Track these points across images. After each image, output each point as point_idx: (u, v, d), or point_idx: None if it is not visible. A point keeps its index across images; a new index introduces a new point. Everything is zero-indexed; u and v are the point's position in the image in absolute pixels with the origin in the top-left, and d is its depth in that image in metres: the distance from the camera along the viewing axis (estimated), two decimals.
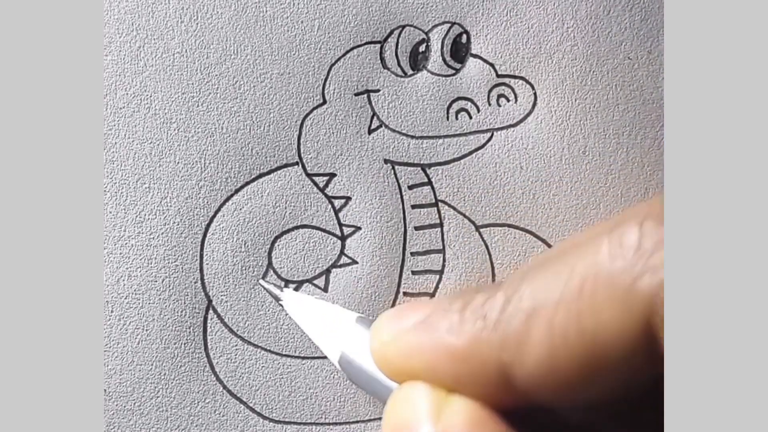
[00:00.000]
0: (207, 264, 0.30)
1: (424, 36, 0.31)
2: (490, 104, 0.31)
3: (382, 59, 0.31)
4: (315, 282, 0.31)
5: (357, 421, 0.30)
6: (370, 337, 0.25)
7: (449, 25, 0.31)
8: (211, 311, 0.30)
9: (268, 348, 0.30)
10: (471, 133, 0.31)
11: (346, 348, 0.26)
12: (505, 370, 0.22)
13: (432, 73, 0.31)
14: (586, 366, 0.21)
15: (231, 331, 0.30)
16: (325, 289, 0.31)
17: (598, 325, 0.21)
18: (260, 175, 0.31)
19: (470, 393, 0.23)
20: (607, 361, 0.21)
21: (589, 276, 0.21)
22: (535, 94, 0.31)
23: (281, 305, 0.28)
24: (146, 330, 0.30)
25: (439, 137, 0.31)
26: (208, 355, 0.30)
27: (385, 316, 0.25)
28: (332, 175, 0.31)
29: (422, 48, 0.31)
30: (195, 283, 0.30)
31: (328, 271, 0.31)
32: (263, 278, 0.29)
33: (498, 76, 0.31)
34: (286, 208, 0.31)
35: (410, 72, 0.31)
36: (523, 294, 0.22)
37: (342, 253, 0.31)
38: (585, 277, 0.21)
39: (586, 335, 0.21)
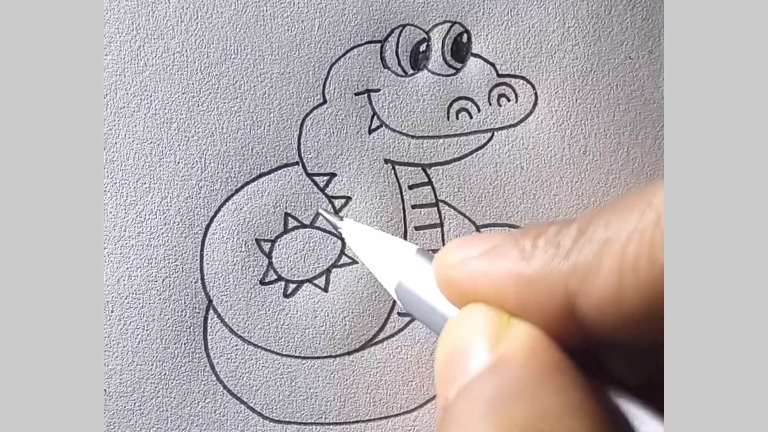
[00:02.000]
0: (207, 264, 0.30)
1: (425, 35, 0.31)
2: (490, 104, 0.31)
3: (382, 59, 0.31)
4: (315, 282, 0.31)
5: (357, 421, 0.30)
6: (435, 261, 0.24)
7: (450, 24, 0.31)
8: (211, 311, 0.30)
9: (268, 348, 0.30)
10: (471, 133, 0.31)
11: (404, 276, 0.25)
12: (572, 300, 0.22)
13: (432, 72, 0.31)
14: (653, 298, 0.21)
15: (231, 331, 0.30)
16: (325, 289, 0.31)
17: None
18: (260, 175, 0.31)
19: (534, 322, 0.23)
20: None
21: (665, 211, 0.21)
22: (535, 93, 0.31)
23: (340, 233, 0.28)
24: (146, 330, 0.30)
25: (440, 137, 0.31)
26: (208, 355, 0.30)
27: (454, 242, 0.24)
28: (332, 175, 0.31)
29: (423, 47, 0.31)
30: (195, 283, 0.30)
31: (328, 271, 0.31)
32: (320, 214, 0.29)
33: (499, 75, 0.31)
34: (286, 208, 0.31)
35: (411, 71, 0.31)
36: (598, 225, 0.22)
37: (342, 253, 0.31)
38: (661, 211, 0.21)
39: (656, 267, 0.21)
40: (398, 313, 0.31)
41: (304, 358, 0.31)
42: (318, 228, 0.31)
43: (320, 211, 0.29)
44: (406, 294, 0.25)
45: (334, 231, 0.31)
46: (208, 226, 0.31)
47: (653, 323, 0.22)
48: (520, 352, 0.22)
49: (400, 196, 0.31)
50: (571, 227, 0.22)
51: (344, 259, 0.31)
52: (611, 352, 0.23)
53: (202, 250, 0.31)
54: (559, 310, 0.22)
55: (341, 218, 0.28)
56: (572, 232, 0.22)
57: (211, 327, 0.30)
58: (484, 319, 0.23)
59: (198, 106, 0.31)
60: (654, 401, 0.23)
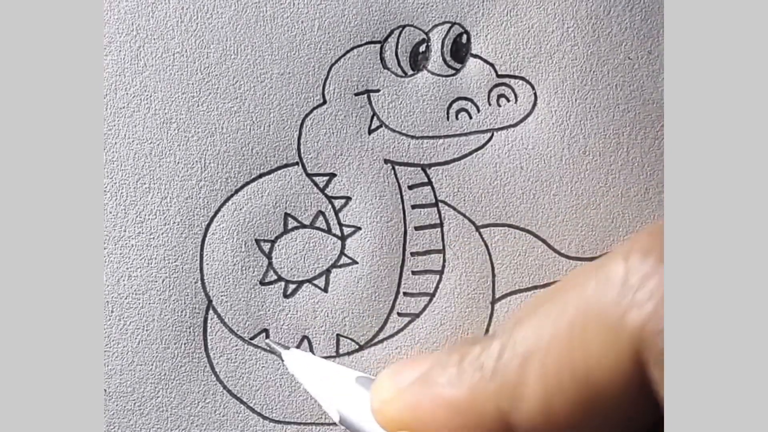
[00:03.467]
0: (207, 264, 0.30)
1: (425, 36, 0.31)
2: (490, 104, 0.31)
3: (382, 59, 0.31)
4: (315, 282, 0.31)
5: None
6: (371, 397, 0.25)
7: (449, 25, 0.31)
8: (211, 311, 0.30)
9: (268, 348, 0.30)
10: (471, 133, 0.31)
11: (344, 408, 0.26)
12: (505, 419, 0.22)
13: (432, 73, 0.31)
14: (581, 407, 0.21)
15: (231, 331, 0.30)
16: (325, 289, 0.31)
17: (589, 363, 0.21)
18: (260, 175, 0.31)
19: None
20: (600, 401, 0.21)
21: (579, 313, 0.21)
22: (535, 94, 0.31)
23: (284, 364, 0.28)
24: (146, 330, 0.30)
25: (439, 137, 0.31)
26: (208, 355, 0.30)
27: (385, 374, 0.25)
28: (332, 175, 0.31)
29: (422, 48, 0.31)
30: (195, 283, 0.30)
31: (328, 271, 0.31)
32: (267, 344, 0.30)
33: (498, 76, 0.31)
34: (286, 208, 0.31)
35: (410, 72, 0.31)
36: (517, 339, 0.22)
37: (342, 253, 0.31)
38: (575, 314, 0.21)
39: (579, 374, 0.21)
40: (398, 314, 0.31)
41: None
42: (318, 228, 0.31)
43: (267, 341, 0.30)
44: (349, 424, 0.26)
45: (333, 232, 0.31)
46: (208, 226, 0.31)
47: (586, 428, 0.22)
48: None
49: (400, 196, 0.31)
50: (493, 345, 0.23)
51: (344, 260, 0.31)
52: None
53: (202, 250, 0.31)
54: (495, 430, 0.22)
55: (287, 348, 0.28)
56: (494, 350, 0.22)
57: (211, 327, 0.30)
58: None
59: (198, 106, 0.31)
60: None
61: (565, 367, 0.21)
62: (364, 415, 0.25)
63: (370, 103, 0.31)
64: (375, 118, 0.31)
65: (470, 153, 0.31)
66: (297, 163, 0.31)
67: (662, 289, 0.20)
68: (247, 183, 0.31)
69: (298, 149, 0.31)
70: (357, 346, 0.31)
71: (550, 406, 0.21)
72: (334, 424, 0.30)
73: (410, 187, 0.31)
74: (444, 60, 0.31)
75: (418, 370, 0.24)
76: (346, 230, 0.31)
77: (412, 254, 0.31)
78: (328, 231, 0.31)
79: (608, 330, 0.21)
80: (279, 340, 0.30)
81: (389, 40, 0.31)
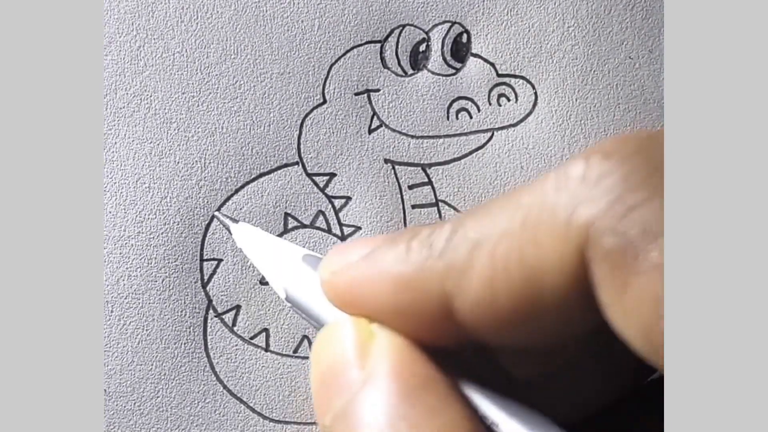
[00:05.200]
0: (207, 264, 0.30)
1: (425, 35, 0.31)
2: (490, 104, 0.31)
3: (382, 59, 0.31)
4: None
5: None
6: (320, 269, 0.25)
7: (450, 24, 0.31)
8: (211, 311, 0.30)
9: (268, 348, 0.30)
10: (471, 132, 0.31)
11: (290, 285, 0.25)
12: (448, 301, 0.22)
13: (432, 72, 0.31)
14: (524, 301, 0.21)
15: (231, 331, 0.30)
16: None
17: (538, 258, 0.21)
18: (260, 175, 0.31)
19: (413, 324, 0.23)
20: (544, 297, 0.21)
21: (534, 207, 0.21)
22: (535, 93, 0.31)
23: (232, 238, 0.28)
24: (146, 330, 0.30)
25: (440, 137, 0.31)
26: (208, 355, 0.30)
27: (335, 249, 0.25)
28: (332, 175, 0.31)
29: (422, 47, 0.31)
30: (195, 283, 0.30)
31: None
32: (216, 217, 0.29)
33: (498, 75, 0.31)
34: (286, 208, 0.31)
35: (410, 71, 0.31)
36: (469, 225, 0.22)
37: None
38: (529, 208, 0.21)
39: (526, 267, 0.21)
40: None
41: (304, 358, 0.30)
42: (318, 228, 0.31)
43: (216, 214, 0.29)
44: (296, 302, 0.25)
45: (333, 232, 0.31)
46: (208, 226, 0.31)
47: (527, 324, 0.22)
48: (385, 372, 0.22)
49: (400, 196, 0.31)
50: (444, 227, 0.22)
51: None
52: (499, 348, 0.23)
53: (202, 250, 0.31)
54: (438, 311, 0.22)
55: (236, 221, 0.28)
56: (445, 232, 0.22)
57: (211, 327, 0.30)
58: (349, 335, 0.23)
59: (198, 106, 0.31)
60: (548, 394, 0.23)
61: (513, 257, 0.21)
62: (309, 292, 0.25)
63: (370, 102, 0.31)
64: (375, 117, 0.31)
65: (470, 153, 0.31)
66: (297, 163, 0.31)
67: (618, 189, 0.20)
68: (247, 183, 0.31)
69: (298, 149, 0.31)
70: None
71: (494, 295, 0.21)
72: None
73: (410, 187, 0.31)
74: (444, 59, 0.31)
75: (369, 246, 0.24)
76: (346, 230, 0.31)
77: None
78: (328, 231, 0.31)
79: (559, 225, 0.20)
80: (281, 337, 0.30)
81: (389, 39, 0.31)
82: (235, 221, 0.27)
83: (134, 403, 0.30)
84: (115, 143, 0.31)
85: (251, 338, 0.31)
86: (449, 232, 0.22)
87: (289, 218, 0.31)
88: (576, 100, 0.31)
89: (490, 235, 0.21)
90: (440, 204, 0.31)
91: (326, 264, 0.24)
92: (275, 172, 0.31)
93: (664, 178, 0.20)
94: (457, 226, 0.22)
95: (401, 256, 0.23)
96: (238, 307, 0.30)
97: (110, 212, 0.30)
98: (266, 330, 0.31)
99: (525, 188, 0.22)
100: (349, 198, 0.31)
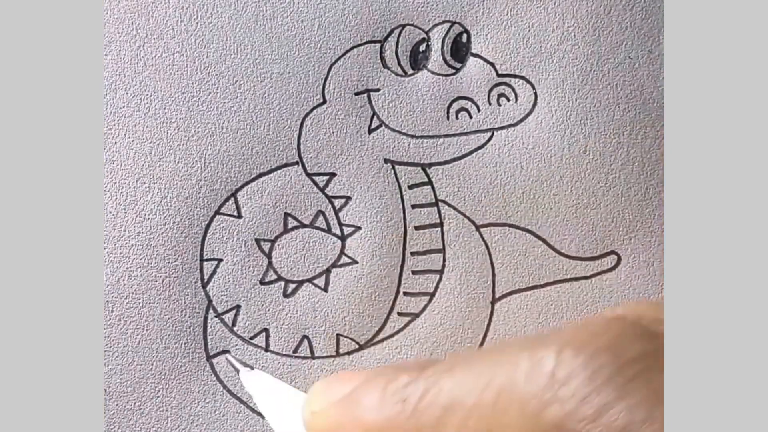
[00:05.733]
0: (207, 264, 0.30)
1: (425, 35, 0.31)
2: (490, 104, 0.31)
3: (382, 59, 0.31)
4: (315, 281, 0.31)
5: None
6: (303, 408, 0.26)
7: (449, 24, 0.31)
8: (211, 311, 0.30)
9: (268, 348, 0.30)
10: (471, 132, 0.31)
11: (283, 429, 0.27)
12: None
13: (432, 72, 0.31)
14: None
15: (231, 331, 0.30)
16: (325, 289, 0.31)
17: None
18: (260, 175, 0.31)
19: None
20: None
21: (505, 391, 0.22)
22: (535, 93, 0.31)
23: (240, 379, 0.29)
24: (146, 330, 0.30)
25: (440, 137, 0.31)
26: (208, 355, 0.30)
27: (318, 386, 0.26)
28: (332, 175, 0.31)
29: (422, 47, 0.31)
30: (195, 283, 0.30)
31: (328, 271, 0.31)
32: (228, 360, 0.30)
33: (498, 75, 0.31)
34: (285, 208, 0.31)
35: (410, 71, 0.31)
36: (443, 387, 0.23)
37: (342, 253, 0.31)
38: (501, 390, 0.22)
39: None
40: (398, 313, 0.31)
41: (304, 358, 0.31)
42: (318, 228, 0.31)
43: (228, 357, 0.30)
44: None
45: (333, 232, 0.31)
46: (208, 226, 0.31)
47: None
48: None
49: (400, 195, 0.31)
50: (419, 382, 0.23)
51: (344, 259, 0.31)
52: None
53: (202, 250, 0.31)
54: None
55: (250, 367, 0.29)
56: (419, 389, 0.23)
57: (211, 327, 0.30)
58: None
59: (198, 106, 0.31)
60: None
61: None
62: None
63: (370, 102, 0.31)
64: (375, 117, 0.31)
65: (470, 152, 0.31)
66: (297, 163, 0.31)
67: (586, 390, 0.21)
68: (247, 183, 0.31)
69: (298, 149, 0.31)
70: (357, 346, 0.31)
71: None
72: None
73: (410, 187, 0.31)
74: (444, 59, 0.31)
75: (349, 385, 0.25)
76: (346, 230, 0.31)
77: (412, 254, 0.31)
78: (328, 231, 0.31)
79: (528, 417, 0.21)
80: (281, 337, 0.30)
81: (389, 39, 0.31)
82: (249, 366, 0.28)
83: (134, 403, 0.30)
84: (115, 143, 0.31)
85: (251, 338, 0.31)
86: (423, 389, 0.23)
87: (289, 218, 0.31)
88: (576, 100, 0.31)
89: (463, 405, 0.22)
90: (440, 204, 0.31)
91: (308, 403, 0.26)
92: (275, 172, 0.31)
93: (632, 374, 0.21)
94: (430, 386, 0.23)
95: (375, 403, 0.24)
96: (238, 307, 0.30)
97: (110, 212, 0.30)
98: (266, 330, 0.31)
99: (500, 361, 0.22)
100: (349, 198, 0.31)
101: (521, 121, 0.31)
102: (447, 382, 0.23)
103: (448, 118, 0.31)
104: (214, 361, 0.30)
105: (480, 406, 0.22)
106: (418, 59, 0.31)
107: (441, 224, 0.31)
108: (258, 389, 0.28)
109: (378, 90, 0.31)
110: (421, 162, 0.31)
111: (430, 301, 0.31)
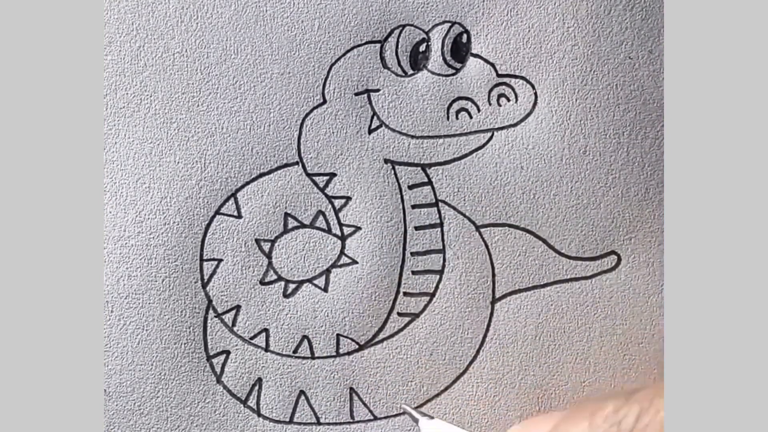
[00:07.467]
0: (207, 264, 0.30)
1: (425, 36, 0.31)
2: (490, 104, 0.31)
3: (382, 59, 0.31)
4: (315, 282, 0.31)
5: (357, 421, 0.30)
6: None
7: (449, 24, 0.31)
8: (211, 311, 0.30)
9: (269, 348, 0.31)
10: (471, 132, 0.31)
11: None
12: None
13: (432, 72, 0.31)
14: None
15: (231, 331, 0.30)
16: (325, 289, 0.31)
17: None
18: (260, 175, 0.31)
19: None
20: None
21: None
22: (535, 93, 0.31)
23: (419, 427, 0.29)
24: (146, 330, 0.30)
25: (440, 137, 0.31)
26: (208, 355, 0.30)
27: (516, 429, 0.26)
28: (332, 175, 0.31)
29: (422, 48, 0.31)
30: (195, 283, 0.30)
31: (328, 271, 0.31)
32: (404, 409, 0.30)
33: (498, 75, 0.31)
34: (285, 208, 0.31)
35: (410, 72, 0.31)
36: (659, 407, 0.23)
37: (342, 253, 0.31)
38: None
39: None
40: (398, 313, 0.31)
41: (304, 358, 0.31)
42: (318, 228, 0.31)
43: (403, 406, 0.30)
44: None
45: (333, 232, 0.31)
46: (208, 225, 0.31)
47: None
48: None
49: (400, 196, 0.31)
50: (632, 406, 0.23)
51: (344, 259, 0.31)
52: None
53: (202, 250, 0.31)
54: None
55: (431, 417, 0.29)
56: (633, 413, 0.23)
57: (211, 327, 0.30)
58: None
59: (198, 106, 0.31)
60: None
61: None
62: None
63: (370, 102, 0.31)
64: (375, 117, 0.31)
65: (470, 153, 0.31)
66: (297, 163, 0.31)
67: None
68: (247, 183, 0.31)
69: (298, 149, 0.31)
70: (357, 346, 0.31)
71: None
72: (335, 423, 0.30)
73: (410, 187, 0.31)
74: (444, 59, 0.31)
75: (547, 424, 0.25)
76: (346, 230, 0.31)
77: (412, 254, 0.31)
78: (328, 231, 0.31)
79: None
80: (281, 337, 0.30)
81: (389, 39, 0.31)
82: (428, 416, 0.28)
83: (134, 403, 0.30)
84: (115, 143, 0.31)
85: (251, 338, 0.31)
86: (638, 412, 0.23)
87: (289, 218, 0.31)
88: (576, 100, 0.31)
89: None
90: (440, 204, 0.31)
91: None
92: (275, 172, 0.31)
93: None
94: (645, 407, 0.23)
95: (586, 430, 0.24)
96: (238, 307, 0.31)
97: (110, 212, 0.30)
98: (266, 330, 0.31)
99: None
100: (349, 198, 0.31)
101: (521, 121, 0.31)
102: (660, 402, 0.23)
103: (448, 118, 0.31)
104: (214, 361, 0.30)
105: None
106: (418, 59, 0.31)
107: (441, 224, 0.31)
108: None
109: (378, 90, 0.31)
110: (421, 162, 0.31)
111: (430, 301, 0.31)
